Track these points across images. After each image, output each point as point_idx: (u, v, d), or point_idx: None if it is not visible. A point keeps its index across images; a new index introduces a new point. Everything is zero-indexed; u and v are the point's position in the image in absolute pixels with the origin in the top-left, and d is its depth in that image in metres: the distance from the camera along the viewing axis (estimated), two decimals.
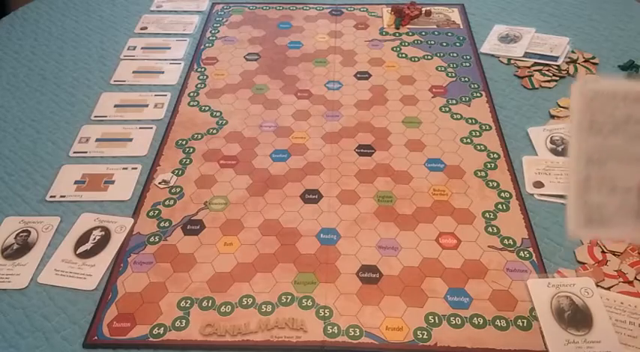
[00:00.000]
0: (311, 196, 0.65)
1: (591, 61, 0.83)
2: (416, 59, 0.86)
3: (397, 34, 0.91)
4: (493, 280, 0.56)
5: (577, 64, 0.83)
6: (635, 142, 0.35)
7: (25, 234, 0.61)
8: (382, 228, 0.61)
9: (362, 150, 0.70)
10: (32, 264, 0.58)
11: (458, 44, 0.89)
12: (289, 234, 0.61)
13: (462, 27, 0.93)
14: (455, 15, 0.95)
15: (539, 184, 0.65)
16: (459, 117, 0.75)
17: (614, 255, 0.57)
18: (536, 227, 0.61)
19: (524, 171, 0.67)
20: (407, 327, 0.52)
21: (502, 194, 0.65)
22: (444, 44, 0.89)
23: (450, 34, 0.91)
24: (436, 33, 0.91)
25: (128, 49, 0.88)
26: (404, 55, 0.87)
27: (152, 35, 0.92)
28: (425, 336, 0.51)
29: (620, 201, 0.34)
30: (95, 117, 0.76)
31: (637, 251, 0.57)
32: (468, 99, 0.78)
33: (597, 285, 0.54)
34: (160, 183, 0.66)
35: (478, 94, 0.79)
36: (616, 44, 0.88)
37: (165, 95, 0.79)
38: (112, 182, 0.66)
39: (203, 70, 0.84)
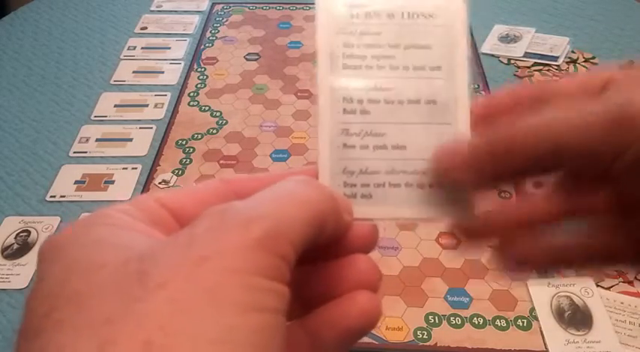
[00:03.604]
0: None
1: (591, 61, 0.83)
2: None
3: None
4: (493, 280, 0.56)
5: (577, 64, 0.83)
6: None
7: (25, 234, 0.61)
8: (382, 228, 0.61)
9: None
10: (32, 264, 0.58)
11: None
12: None
13: None
14: None
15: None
16: None
17: None
18: None
19: None
20: (407, 327, 0.52)
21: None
22: None
23: None
24: None
25: (128, 49, 0.88)
26: None
27: (152, 35, 0.92)
28: (425, 336, 0.51)
29: (391, 165, 0.23)
30: (95, 117, 0.76)
31: None
32: None
33: (597, 285, 0.54)
34: (159, 183, 0.66)
35: (478, 94, 0.79)
36: (616, 44, 0.88)
37: (166, 95, 0.79)
38: (112, 182, 0.66)
39: (203, 70, 0.84)
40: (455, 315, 0.53)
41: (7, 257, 0.58)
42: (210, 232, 0.17)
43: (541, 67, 0.83)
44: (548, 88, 0.24)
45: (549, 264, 0.24)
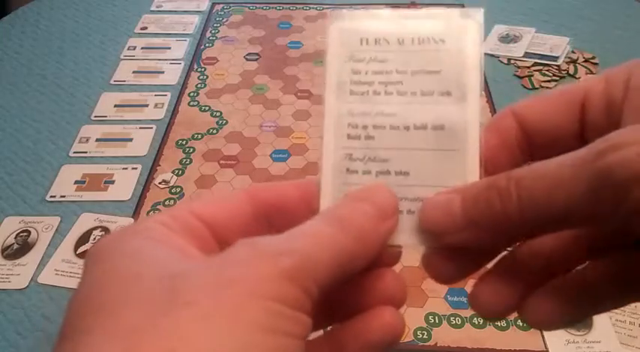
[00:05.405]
0: None
1: (591, 61, 0.83)
2: None
3: None
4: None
5: (577, 64, 0.83)
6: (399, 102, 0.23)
7: (25, 234, 0.61)
8: None
9: None
10: (32, 264, 0.58)
11: None
12: None
13: None
14: None
15: None
16: None
17: None
18: None
19: None
20: (407, 327, 0.52)
21: None
22: None
23: None
24: None
25: (128, 49, 0.88)
26: None
27: (152, 35, 0.92)
28: (425, 336, 0.51)
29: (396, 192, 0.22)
30: (95, 117, 0.76)
31: None
32: None
33: None
34: (160, 183, 0.66)
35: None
36: (616, 44, 0.88)
37: (166, 95, 0.79)
38: (112, 182, 0.66)
39: (203, 70, 0.84)
40: (455, 315, 0.53)
41: (7, 257, 0.58)
42: (241, 259, 0.18)
43: (541, 67, 0.83)
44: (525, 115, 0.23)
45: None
